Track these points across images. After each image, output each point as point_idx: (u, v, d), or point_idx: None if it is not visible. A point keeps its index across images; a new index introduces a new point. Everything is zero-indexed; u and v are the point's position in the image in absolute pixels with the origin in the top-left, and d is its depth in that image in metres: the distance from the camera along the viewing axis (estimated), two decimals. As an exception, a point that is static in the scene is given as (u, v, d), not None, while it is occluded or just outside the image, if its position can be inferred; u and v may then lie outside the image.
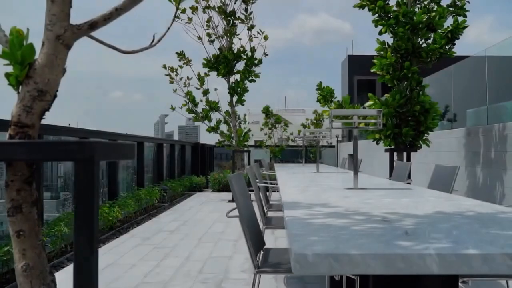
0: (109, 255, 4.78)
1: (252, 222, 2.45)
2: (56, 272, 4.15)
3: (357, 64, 19.16)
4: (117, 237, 5.73)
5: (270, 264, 2.35)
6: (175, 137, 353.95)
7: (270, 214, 4.30)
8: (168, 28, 1.74)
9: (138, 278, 3.93)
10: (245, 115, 14.56)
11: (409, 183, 6.28)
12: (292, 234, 1.41)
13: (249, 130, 14.88)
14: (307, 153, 17.57)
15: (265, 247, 2.65)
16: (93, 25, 1.40)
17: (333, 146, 19.65)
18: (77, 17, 1.36)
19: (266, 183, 6.16)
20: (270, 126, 16.68)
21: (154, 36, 1.68)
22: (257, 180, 4.73)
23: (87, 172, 1.07)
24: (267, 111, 16.83)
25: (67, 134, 5.73)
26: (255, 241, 2.38)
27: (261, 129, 16.90)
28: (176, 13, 1.76)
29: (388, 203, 2.26)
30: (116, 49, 1.58)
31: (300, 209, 2.06)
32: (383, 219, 1.73)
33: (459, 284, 2.22)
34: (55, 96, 1.40)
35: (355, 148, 3.10)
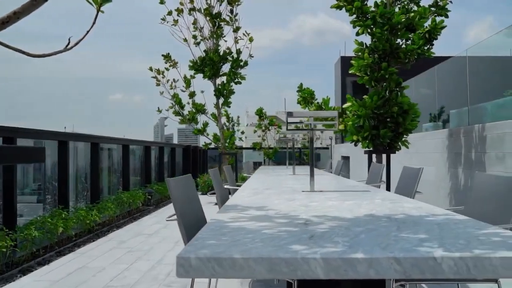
0: (81, 259, 4.76)
1: (196, 225, 2.43)
2: (24, 276, 4.14)
3: (350, 65, 19.16)
4: (94, 241, 5.72)
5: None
6: (175, 140, 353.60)
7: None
8: (88, 32, 1.71)
9: (104, 281, 3.91)
10: (238, 117, 14.54)
11: (389, 186, 6.25)
12: (195, 237, 1.40)
13: (243, 132, 14.79)
14: (301, 155, 17.57)
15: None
16: (-10, 29, 1.39)
17: (327, 148, 19.64)
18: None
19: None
20: (263, 128, 16.64)
21: (69, 40, 1.66)
22: (226, 184, 4.72)
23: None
24: (260, 113, 16.80)
25: (44, 137, 5.72)
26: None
27: (255, 131, 16.86)
28: (96, 15, 1.74)
29: (329, 206, 2.25)
30: (23, 52, 1.57)
31: (233, 212, 2.04)
32: (305, 222, 1.72)
33: (398, 287, 2.20)
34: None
35: (311, 150, 3.08)
